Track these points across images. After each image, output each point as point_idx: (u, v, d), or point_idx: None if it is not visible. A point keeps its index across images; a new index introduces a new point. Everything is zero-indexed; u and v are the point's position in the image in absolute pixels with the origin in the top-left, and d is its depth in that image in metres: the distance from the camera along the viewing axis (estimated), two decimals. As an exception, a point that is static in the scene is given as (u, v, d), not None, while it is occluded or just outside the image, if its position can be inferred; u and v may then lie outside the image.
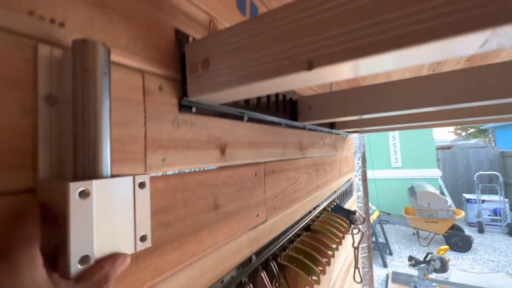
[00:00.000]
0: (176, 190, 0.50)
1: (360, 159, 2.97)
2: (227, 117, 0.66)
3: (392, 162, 7.55)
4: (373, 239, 4.97)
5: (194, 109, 0.55)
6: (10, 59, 0.30)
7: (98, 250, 0.28)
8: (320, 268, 0.86)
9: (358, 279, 1.47)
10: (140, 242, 0.33)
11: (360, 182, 2.94)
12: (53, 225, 0.27)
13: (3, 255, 0.24)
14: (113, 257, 0.29)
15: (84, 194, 0.27)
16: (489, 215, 6.40)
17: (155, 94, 0.47)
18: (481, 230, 6.32)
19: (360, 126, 1.43)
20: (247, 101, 0.73)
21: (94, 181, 0.28)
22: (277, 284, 0.78)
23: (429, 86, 0.75)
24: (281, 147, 0.94)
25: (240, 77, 0.42)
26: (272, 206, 0.86)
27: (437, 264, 4.03)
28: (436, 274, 4.23)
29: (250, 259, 0.72)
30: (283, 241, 0.91)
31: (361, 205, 2.93)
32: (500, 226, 6.25)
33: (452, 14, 0.28)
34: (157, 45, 0.48)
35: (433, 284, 4.00)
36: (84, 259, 0.27)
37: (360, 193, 2.92)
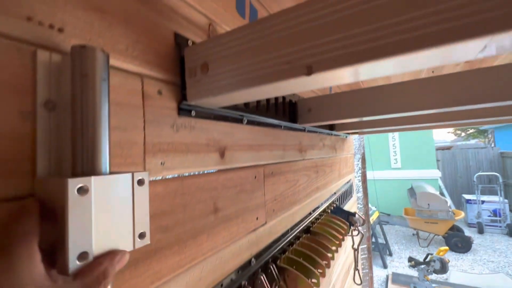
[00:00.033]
0: (176, 194, 0.50)
1: (360, 160, 2.97)
2: (227, 120, 0.66)
3: (391, 163, 7.55)
4: (373, 240, 4.97)
5: (193, 113, 0.55)
6: (9, 65, 0.30)
7: (97, 247, 0.28)
8: (320, 270, 0.86)
9: (358, 281, 1.46)
10: (138, 239, 0.33)
11: (360, 183, 2.94)
12: (52, 222, 0.27)
13: (1, 250, 0.24)
14: (111, 254, 0.29)
15: (82, 191, 0.27)
16: (489, 216, 6.40)
17: (154, 98, 0.47)
18: (481, 231, 6.32)
19: (359, 128, 1.43)
20: (246, 104, 0.73)
21: (93, 178, 0.28)
22: (276, 287, 0.78)
23: (428, 89, 0.76)
24: (280, 149, 0.94)
25: (240, 81, 0.42)
26: (272, 208, 0.85)
27: (437, 265, 4.03)
28: (436, 275, 4.23)
29: (249, 262, 0.71)
30: (283, 243, 0.91)
31: (361, 206, 2.92)
32: (500, 226, 6.25)
33: (452, 21, 0.28)
34: (157, 49, 0.48)
35: (433, 285, 4.00)
36: (82, 256, 0.27)
37: (360, 194, 2.92)
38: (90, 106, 0.30)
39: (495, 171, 7.40)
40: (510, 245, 5.65)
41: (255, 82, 0.41)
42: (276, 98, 0.91)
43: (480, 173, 7.11)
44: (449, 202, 5.75)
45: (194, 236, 0.53)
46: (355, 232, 1.41)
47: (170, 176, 0.50)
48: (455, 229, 5.64)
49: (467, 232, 6.13)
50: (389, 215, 5.99)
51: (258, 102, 0.79)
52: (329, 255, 0.96)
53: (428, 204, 5.45)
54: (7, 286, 0.22)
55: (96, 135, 0.31)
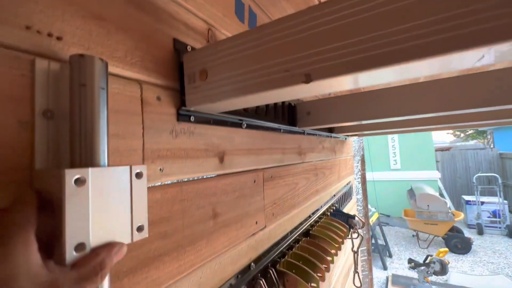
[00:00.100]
0: (174, 200, 0.50)
1: (359, 162, 2.97)
2: (226, 125, 0.66)
3: (391, 164, 7.56)
4: (373, 241, 4.97)
5: (192, 118, 0.55)
6: (7, 74, 0.30)
7: (94, 238, 0.28)
8: (319, 274, 0.86)
9: (357, 283, 1.46)
10: (137, 232, 0.33)
11: (360, 185, 2.94)
12: (50, 213, 0.27)
13: None
14: (109, 246, 0.29)
15: (79, 182, 0.27)
16: (488, 217, 6.40)
17: (153, 105, 0.47)
18: (480, 232, 6.32)
19: (359, 130, 1.43)
20: (245, 108, 0.73)
21: (90, 169, 0.28)
22: (276, 292, 0.77)
23: (427, 93, 0.76)
24: (280, 152, 0.94)
25: (238, 88, 0.42)
26: (271, 212, 0.85)
27: (437, 267, 4.03)
28: (435, 276, 4.23)
29: (249, 266, 0.71)
30: (282, 247, 0.91)
31: (361, 208, 2.92)
32: (500, 227, 6.26)
33: (450, 31, 0.28)
34: (155, 55, 0.48)
35: (433, 286, 3.99)
36: (79, 247, 0.27)
37: (360, 196, 2.92)
38: (89, 115, 0.30)
39: (494, 172, 7.42)
40: (509, 246, 5.65)
41: (254, 90, 0.41)
42: (275, 102, 0.91)
43: (479, 174, 7.12)
44: (449, 203, 5.75)
45: (193, 242, 0.53)
46: (354, 235, 1.41)
47: (169, 182, 0.49)
48: (454, 230, 5.64)
49: (467, 233, 6.12)
50: (388, 216, 5.99)
51: (257, 106, 0.79)
52: (329, 258, 0.96)
53: (428, 205, 5.46)
54: (3, 275, 0.22)
55: (95, 143, 0.31)
